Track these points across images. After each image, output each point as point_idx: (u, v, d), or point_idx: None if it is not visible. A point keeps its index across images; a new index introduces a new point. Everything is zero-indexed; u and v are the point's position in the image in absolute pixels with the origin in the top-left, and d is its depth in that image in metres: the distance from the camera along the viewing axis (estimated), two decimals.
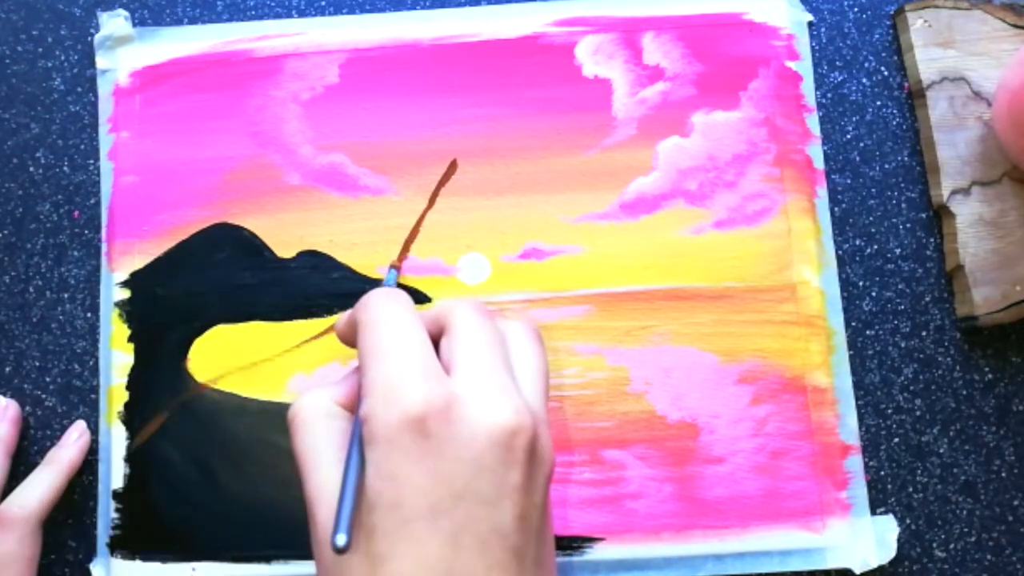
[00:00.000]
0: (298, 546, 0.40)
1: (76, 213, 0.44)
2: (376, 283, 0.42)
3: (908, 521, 0.41)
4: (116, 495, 0.40)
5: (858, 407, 0.41)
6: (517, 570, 0.25)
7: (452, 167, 0.43)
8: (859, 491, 0.40)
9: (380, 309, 0.29)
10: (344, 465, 0.26)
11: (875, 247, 0.43)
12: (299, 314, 0.42)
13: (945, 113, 0.43)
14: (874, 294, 0.43)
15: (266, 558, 0.40)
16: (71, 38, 0.46)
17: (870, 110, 0.45)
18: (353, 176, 0.43)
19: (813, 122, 0.44)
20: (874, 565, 0.39)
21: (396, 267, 0.41)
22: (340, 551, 0.23)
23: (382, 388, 0.26)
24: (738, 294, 0.42)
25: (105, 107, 0.45)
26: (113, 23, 0.45)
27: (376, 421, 0.25)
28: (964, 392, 0.42)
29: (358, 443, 0.26)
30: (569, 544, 0.39)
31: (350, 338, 0.30)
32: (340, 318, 0.33)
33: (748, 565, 0.39)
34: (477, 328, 0.29)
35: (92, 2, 0.46)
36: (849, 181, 0.44)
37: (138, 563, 0.40)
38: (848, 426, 0.41)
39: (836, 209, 0.43)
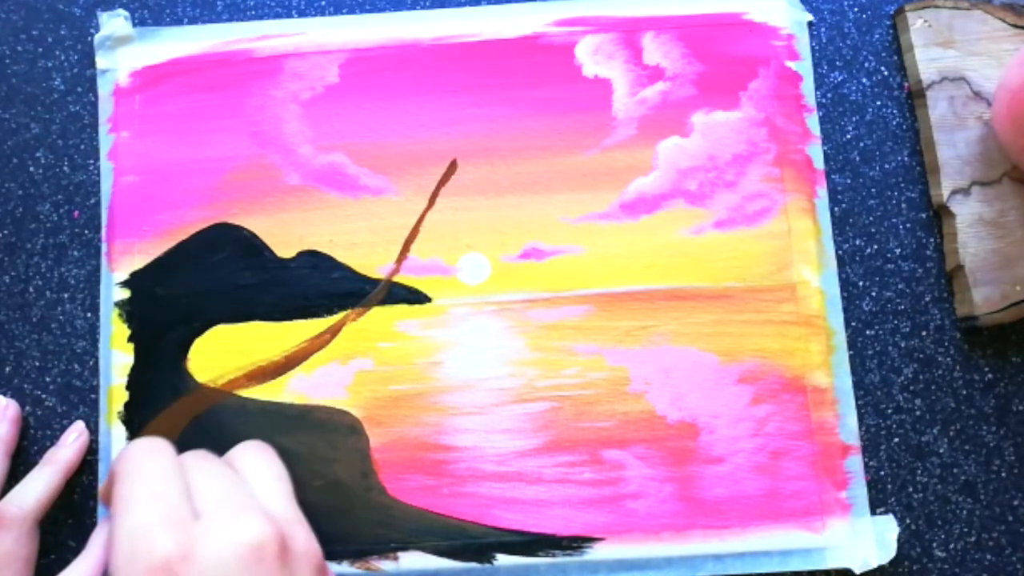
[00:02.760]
0: None
1: (76, 213, 0.44)
2: (376, 283, 0.42)
3: (908, 521, 0.41)
4: None
5: (858, 407, 0.41)
6: None
7: (452, 167, 0.43)
8: (859, 491, 0.40)
9: (132, 461, 0.29)
10: None
11: (875, 247, 0.43)
12: (299, 314, 0.42)
13: (945, 113, 0.43)
14: (874, 294, 0.43)
15: None
16: (71, 38, 0.46)
17: (870, 110, 0.45)
18: (353, 176, 0.43)
19: (813, 122, 0.44)
20: (874, 565, 0.39)
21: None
22: None
23: (126, 542, 0.27)
24: (738, 294, 0.42)
25: (105, 107, 0.45)
26: (113, 23, 0.45)
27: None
28: (964, 392, 0.42)
29: None
30: (569, 544, 0.39)
31: (111, 496, 0.31)
32: (103, 484, 0.33)
33: (748, 565, 0.39)
34: (206, 466, 0.30)
35: (92, 2, 0.46)
36: (849, 181, 0.44)
37: None
38: (848, 426, 0.41)
39: (836, 209, 0.43)
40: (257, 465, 0.32)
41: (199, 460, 0.31)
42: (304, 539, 0.29)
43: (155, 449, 0.30)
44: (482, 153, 0.43)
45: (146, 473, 0.29)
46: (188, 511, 0.28)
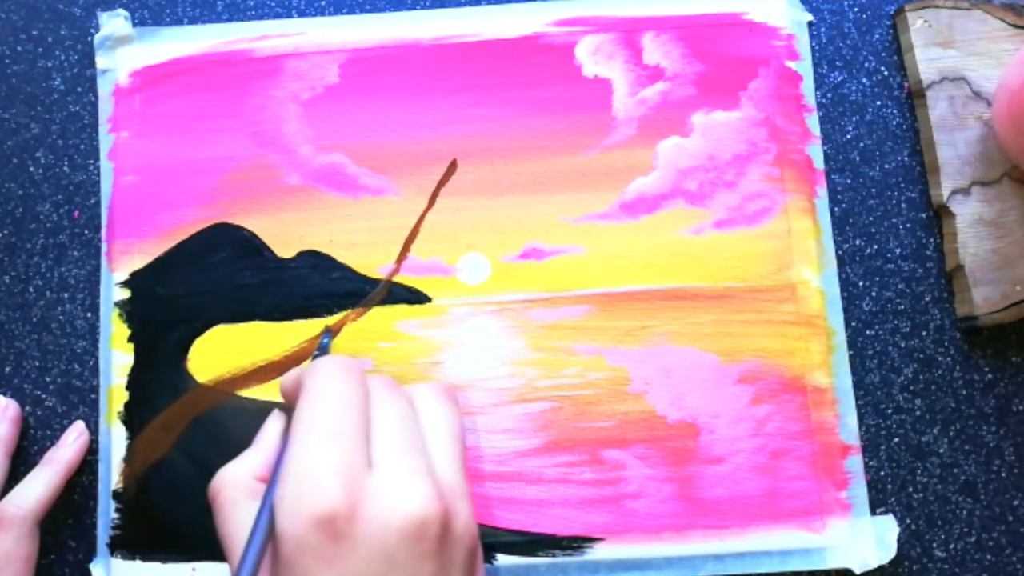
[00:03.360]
0: None
1: (76, 213, 0.44)
2: (376, 283, 0.42)
3: (908, 521, 0.41)
4: (116, 495, 0.40)
5: (858, 407, 0.41)
6: None
7: (452, 167, 0.43)
8: (859, 491, 0.40)
9: (324, 381, 0.28)
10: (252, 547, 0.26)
11: (875, 247, 0.43)
12: (299, 314, 0.42)
13: (945, 113, 0.43)
14: (874, 294, 0.43)
15: None
16: (71, 38, 0.46)
17: (870, 110, 0.45)
18: (353, 176, 0.43)
19: (813, 122, 0.44)
20: (874, 565, 0.39)
21: (332, 330, 0.40)
22: None
23: (294, 483, 0.26)
24: (738, 294, 0.42)
25: (105, 107, 0.45)
26: (113, 23, 0.45)
27: (285, 519, 0.25)
28: (964, 392, 0.42)
29: (264, 526, 0.26)
30: (569, 544, 0.39)
31: (292, 398, 0.30)
32: (288, 375, 0.33)
33: (748, 565, 0.39)
34: (391, 403, 0.29)
35: (92, 2, 0.46)
36: (849, 181, 0.44)
37: (138, 563, 0.40)
38: (848, 426, 0.41)
39: (836, 209, 0.43)
40: (437, 418, 0.30)
41: (386, 392, 0.29)
42: (465, 518, 0.27)
43: (347, 371, 0.29)
44: (482, 153, 0.43)
45: (333, 402, 0.28)
46: (364, 458, 0.27)
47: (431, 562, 0.25)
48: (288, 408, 0.32)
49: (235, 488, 0.29)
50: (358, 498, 0.25)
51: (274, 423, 0.31)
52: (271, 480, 0.29)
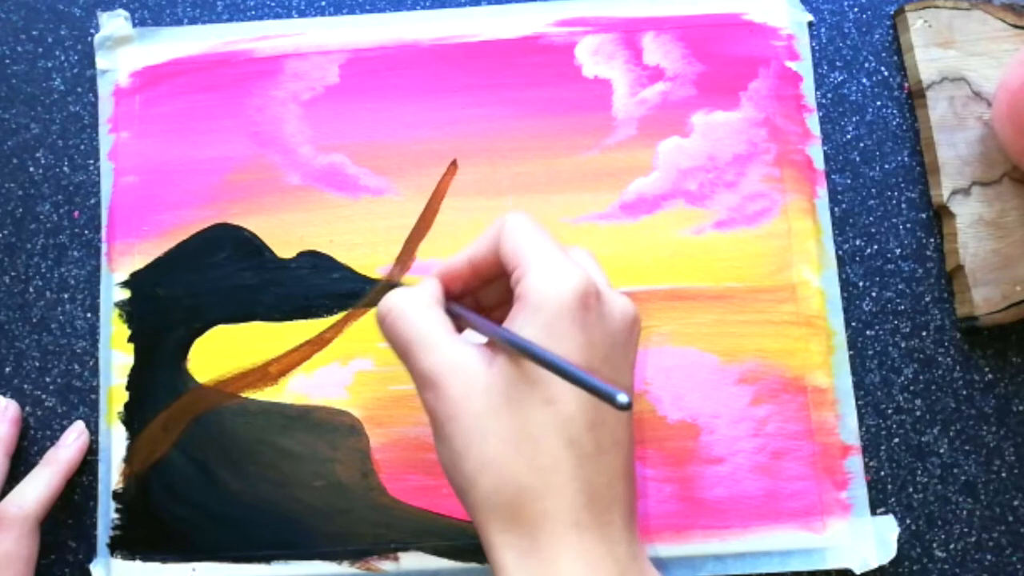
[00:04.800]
0: (298, 546, 0.40)
1: (76, 213, 0.44)
2: (377, 283, 0.42)
3: (908, 521, 0.41)
4: (116, 495, 0.40)
5: (858, 407, 0.41)
6: (630, 424, 0.32)
7: (452, 168, 0.43)
8: (859, 491, 0.40)
9: (528, 219, 0.32)
10: (508, 340, 0.30)
11: (875, 247, 0.43)
12: (299, 314, 0.42)
13: (945, 113, 0.43)
14: (874, 294, 0.43)
15: (266, 558, 0.40)
16: (71, 38, 0.46)
17: (870, 110, 0.45)
18: (353, 176, 0.43)
19: (813, 122, 0.44)
20: (874, 565, 0.39)
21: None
22: (627, 407, 0.26)
23: (550, 265, 0.30)
24: (738, 294, 0.42)
25: (105, 107, 0.45)
26: (113, 23, 0.45)
27: (547, 291, 0.30)
28: (964, 392, 0.42)
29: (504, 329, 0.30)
30: None
31: (482, 256, 0.33)
32: (469, 247, 0.34)
33: (748, 565, 0.39)
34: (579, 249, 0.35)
35: (92, 2, 0.46)
36: (849, 181, 0.44)
37: (138, 563, 0.40)
38: (848, 426, 0.41)
39: (836, 209, 0.43)
40: (599, 275, 0.34)
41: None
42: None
43: (536, 222, 0.33)
44: (482, 153, 0.43)
45: (544, 232, 0.32)
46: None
47: (634, 351, 0.32)
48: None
49: (415, 301, 0.32)
50: (595, 285, 0.30)
51: (431, 279, 0.34)
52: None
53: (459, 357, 0.30)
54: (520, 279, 0.30)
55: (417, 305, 0.32)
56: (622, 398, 0.26)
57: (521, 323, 0.30)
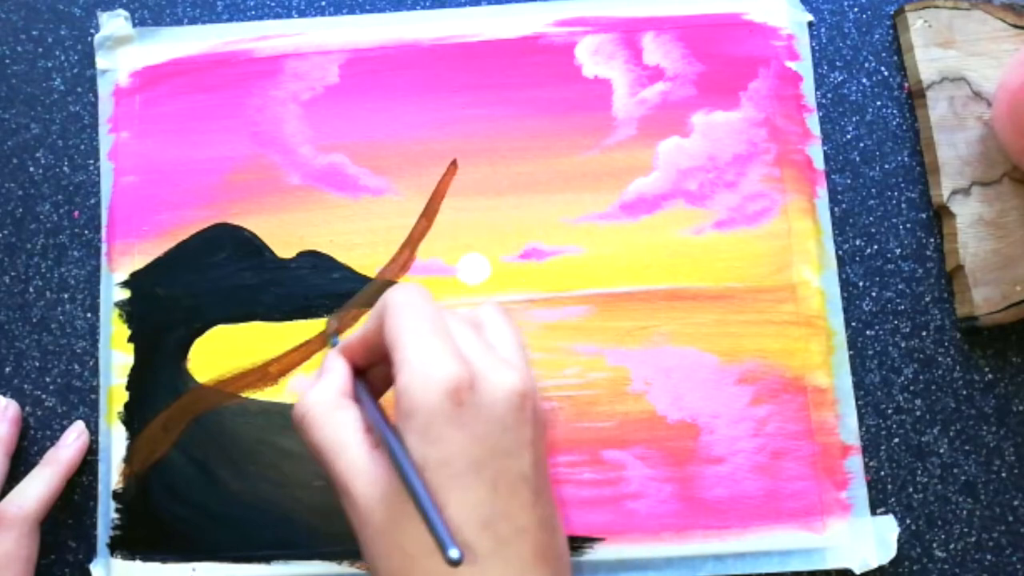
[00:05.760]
0: (298, 546, 0.40)
1: (76, 213, 0.44)
2: (376, 284, 0.42)
3: (908, 521, 0.41)
4: (116, 495, 0.40)
5: (858, 407, 0.41)
6: (540, 507, 0.30)
7: (452, 168, 0.43)
8: (859, 491, 0.40)
9: (409, 296, 0.32)
10: (389, 448, 0.29)
11: (875, 247, 0.43)
12: (299, 314, 0.42)
13: (945, 113, 0.43)
14: (874, 294, 0.43)
15: (266, 558, 0.39)
16: (71, 38, 0.46)
17: (870, 110, 0.45)
18: (353, 176, 0.43)
19: (813, 122, 0.44)
20: (874, 565, 0.39)
21: (338, 324, 0.42)
22: (456, 563, 0.26)
23: (418, 364, 0.29)
24: (738, 294, 0.42)
25: (105, 107, 0.45)
26: (113, 23, 0.45)
27: (416, 394, 0.29)
28: (964, 392, 0.42)
29: (387, 427, 0.30)
30: (569, 544, 0.39)
31: (371, 338, 0.32)
32: (364, 323, 0.33)
33: (748, 565, 0.39)
34: (460, 323, 0.32)
35: (92, 2, 0.46)
36: (849, 181, 0.44)
37: (138, 563, 0.40)
38: (848, 426, 0.41)
39: (836, 209, 0.43)
40: (504, 329, 0.33)
41: (452, 316, 0.33)
42: (542, 405, 0.32)
43: (424, 293, 0.32)
44: (482, 153, 0.43)
45: (424, 310, 0.31)
46: (461, 351, 0.30)
47: (530, 428, 0.30)
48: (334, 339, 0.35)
49: (323, 403, 0.32)
50: (472, 373, 0.29)
51: (335, 357, 0.34)
52: (360, 396, 0.32)
53: (363, 464, 0.30)
54: (396, 376, 0.30)
55: (325, 408, 0.31)
56: (453, 553, 0.26)
57: (401, 428, 0.29)
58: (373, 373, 0.34)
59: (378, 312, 0.32)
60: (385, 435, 0.30)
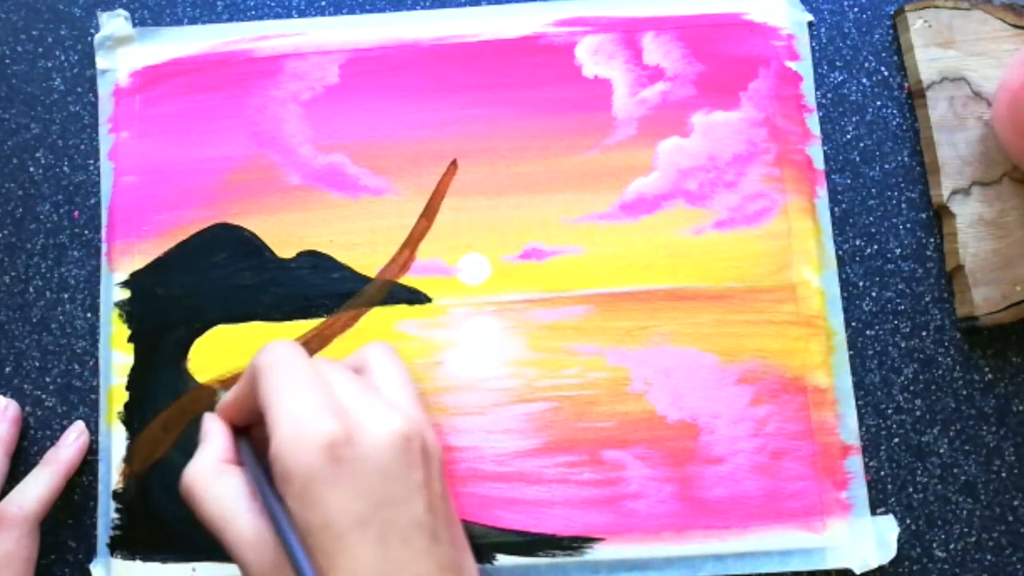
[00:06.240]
0: None
1: (76, 213, 0.44)
2: (375, 284, 0.42)
3: (908, 521, 0.41)
4: (116, 495, 0.40)
5: (858, 407, 0.41)
6: (438, 551, 0.29)
7: (452, 168, 0.43)
8: (859, 491, 0.40)
9: (276, 356, 0.31)
10: (271, 514, 0.29)
11: (875, 247, 0.43)
12: (299, 314, 0.42)
13: (945, 113, 0.43)
14: (874, 294, 0.43)
15: None
16: (71, 38, 0.46)
17: (870, 110, 0.45)
18: (353, 176, 0.43)
19: (813, 122, 0.44)
20: (874, 565, 0.39)
21: (224, 385, 0.41)
22: None
23: (289, 426, 0.28)
24: (738, 294, 0.42)
25: (105, 107, 0.45)
26: (113, 23, 0.45)
27: (289, 458, 0.28)
28: (964, 392, 0.42)
29: (268, 491, 0.29)
30: (569, 544, 0.39)
31: (245, 399, 0.32)
32: (226, 396, 0.34)
33: (748, 565, 0.39)
34: (339, 370, 0.32)
35: (92, 2, 0.46)
36: (849, 181, 0.44)
37: (138, 563, 0.40)
38: (848, 426, 0.41)
39: (836, 209, 0.44)
40: (387, 367, 0.33)
41: (331, 364, 0.33)
42: (433, 438, 0.31)
43: (293, 347, 0.32)
44: (482, 153, 0.43)
45: (294, 366, 0.31)
46: (337, 403, 0.30)
47: (419, 470, 0.29)
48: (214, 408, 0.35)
49: (205, 473, 0.31)
50: (349, 427, 0.29)
51: (212, 420, 0.34)
52: (244, 459, 0.32)
53: (249, 534, 0.30)
54: (270, 439, 0.29)
55: (206, 479, 0.31)
56: None
57: (281, 493, 0.28)
58: (257, 430, 0.33)
59: (249, 374, 0.31)
60: (267, 502, 0.29)
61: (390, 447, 0.29)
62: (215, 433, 0.33)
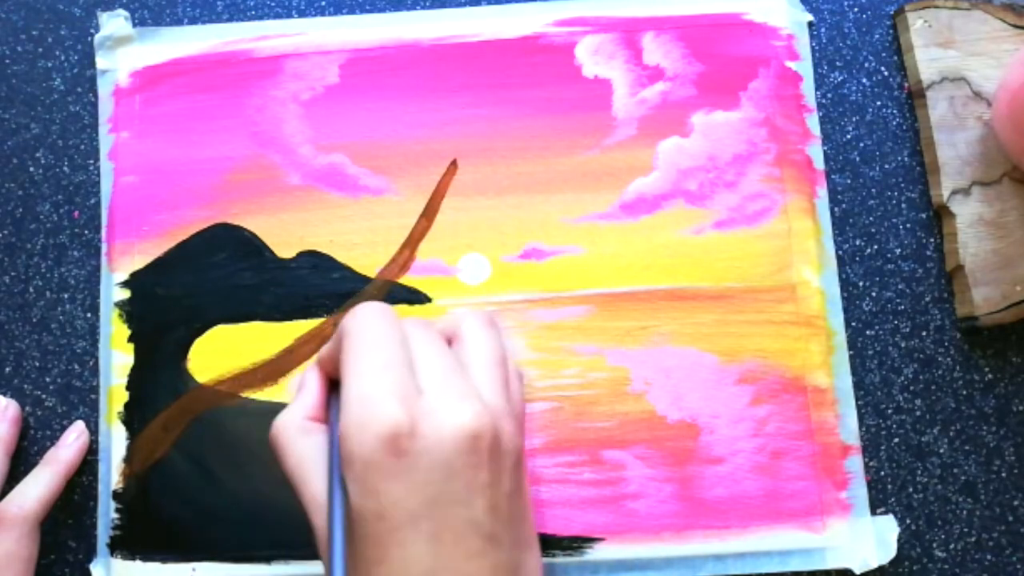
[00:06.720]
0: (298, 546, 0.39)
1: (76, 213, 0.44)
2: (375, 284, 0.42)
3: (908, 521, 0.41)
4: (116, 495, 0.40)
5: (858, 407, 0.41)
6: (494, 554, 0.28)
7: (452, 168, 0.43)
8: (859, 491, 0.40)
9: (364, 322, 0.30)
10: (330, 490, 0.29)
11: (875, 247, 0.43)
12: (299, 314, 0.42)
13: (945, 113, 0.43)
14: (874, 294, 0.43)
15: (266, 558, 0.40)
16: (71, 38, 0.46)
17: (870, 110, 0.45)
18: (353, 176, 0.43)
19: (813, 122, 0.44)
20: (874, 565, 0.39)
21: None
22: None
23: (356, 408, 0.28)
24: (738, 294, 0.42)
25: (105, 107, 0.45)
26: (113, 23, 0.45)
27: (352, 442, 0.28)
28: (964, 392, 0.42)
29: (337, 464, 0.29)
30: (569, 544, 0.39)
31: (336, 348, 0.31)
32: (324, 348, 0.33)
33: (748, 565, 0.39)
34: (429, 340, 0.31)
35: (92, 2, 0.46)
36: (849, 181, 0.44)
37: (138, 563, 0.40)
38: (848, 426, 0.41)
39: (836, 209, 0.43)
40: (480, 344, 0.32)
41: (422, 331, 0.31)
42: (511, 434, 0.30)
43: (384, 314, 0.31)
44: (482, 153, 0.43)
45: (377, 338, 0.30)
46: (414, 385, 0.29)
47: (484, 470, 0.28)
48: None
49: (291, 428, 0.31)
50: (416, 416, 0.28)
51: (312, 373, 0.33)
52: (331, 428, 0.31)
53: (322, 498, 0.29)
54: (342, 412, 0.29)
55: (291, 434, 0.31)
56: None
57: (344, 473, 0.28)
58: None
59: (338, 335, 0.31)
60: (332, 478, 0.29)
61: (454, 444, 0.28)
62: (310, 387, 0.32)
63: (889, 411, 0.42)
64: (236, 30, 0.45)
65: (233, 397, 0.41)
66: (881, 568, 0.40)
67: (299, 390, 0.32)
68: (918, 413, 0.42)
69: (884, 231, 0.43)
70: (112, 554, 0.40)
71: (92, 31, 0.46)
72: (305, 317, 0.42)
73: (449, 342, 0.32)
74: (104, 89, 0.45)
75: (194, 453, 0.41)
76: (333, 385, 0.32)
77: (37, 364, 0.43)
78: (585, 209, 0.43)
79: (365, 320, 0.30)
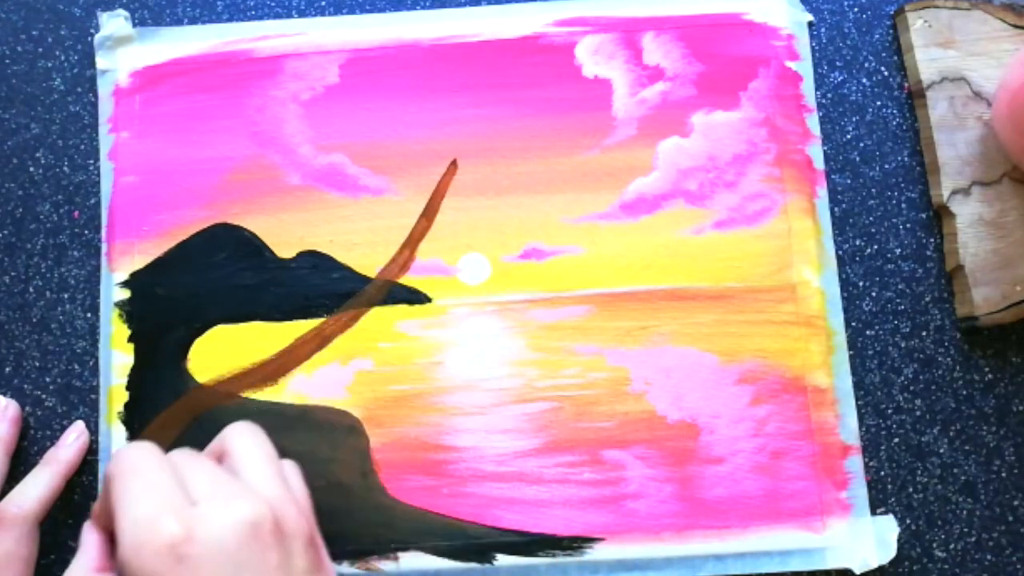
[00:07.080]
0: None
1: (76, 213, 0.44)
2: (375, 284, 0.42)
3: (908, 521, 0.41)
4: None
5: (858, 407, 0.41)
6: None
7: (452, 168, 0.43)
8: (859, 491, 0.40)
9: (123, 461, 0.31)
10: None
11: (875, 247, 0.43)
12: (299, 314, 0.42)
13: (945, 113, 0.43)
14: (874, 294, 0.43)
15: None
16: (71, 38, 0.46)
17: (870, 110, 0.45)
18: (353, 176, 0.43)
19: (813, 122, 0.44)
20: (874, 565, 0.39)
21: None
22: None
23: (130, 533, 0.29)
24: (738, 294, 0.42)
25: (105, 107, 0.45)
26: (113, 23, 0.45)
27: (133, 565, 0.28)
28: (964, 392, 0.42)
29: None
30: (569, 544, 0.39)
31: (107, 507, 0.32)
32: (95, 504, 0.34)
33: (748, 565, 0.39)
34: (193, 460, 0.32)
35: (92, 2, 0.46)
36: (849, 181, 0.44)
37: None
38: (848, 426, 0.41)
39: (836, 209, 0.44)
40: (246, 447, 0.33)
41: (188, 455, 0.32)
42: (294, 517, 0.31)
43: (143, 448, 0.32)
44: (482, 153, 0.43)
45: (139, 469, 0.31)
46: (184, 498, 0.30)
47: (273, 552, 0.29)
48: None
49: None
50: (191, 524, 0.28)
51: (86, 529, 0.34)
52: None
53: None
54: (117, 543, 0.29)
55: None
56: None
57: None
58: None
59: (104, 482, 0.32)
60: None
61: (235, 537, 0.28)
62: (88, 543, 0.33)
63: (889, 411, 0.42)
64: (236, 30, 0.45)
65: (233, 397, 0.41)
66: (881, 568, 0.40)
67: (78, 550, 0.33)
68: (918, 413, 0.42)
69: (884, 231, 0.43)
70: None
71: (92, 31, 0.46)
72: (305, 317, 0.42)
73: (219, 461, 0.33)
74: (104, 89, 0.45)
75: None
76: (112, 538, 0.33)
77: (37, 364, 0.43)
78: (585, 209, 0.43)
79: (126, 458, 0.31)
